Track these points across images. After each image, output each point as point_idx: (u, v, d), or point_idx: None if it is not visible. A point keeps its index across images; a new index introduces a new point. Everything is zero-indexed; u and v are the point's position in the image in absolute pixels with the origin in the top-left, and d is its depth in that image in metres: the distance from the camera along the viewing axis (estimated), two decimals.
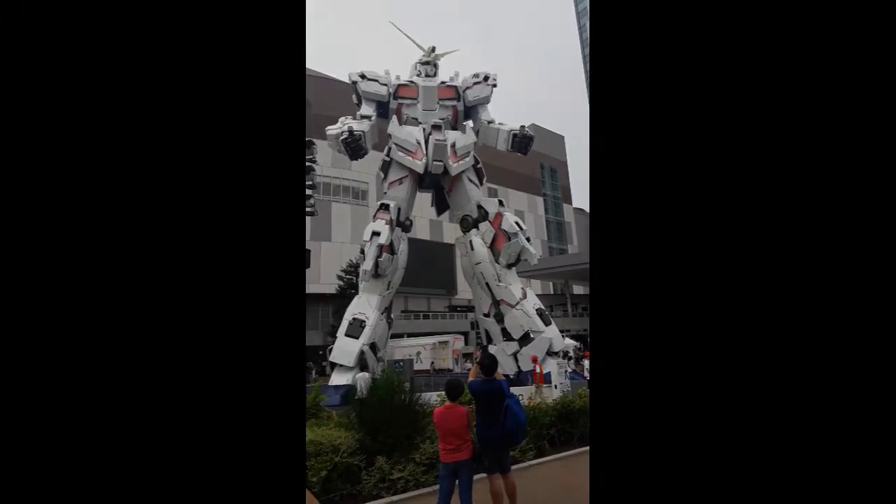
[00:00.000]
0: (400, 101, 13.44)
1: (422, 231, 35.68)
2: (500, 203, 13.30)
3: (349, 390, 9.73)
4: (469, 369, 7.22)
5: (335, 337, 12.17)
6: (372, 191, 34.77)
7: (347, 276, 28.09)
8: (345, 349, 11.35)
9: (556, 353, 11.69)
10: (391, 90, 13.46)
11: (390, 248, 12.08)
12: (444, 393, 4.22)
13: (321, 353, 20.89)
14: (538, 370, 10.43)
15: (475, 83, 13.84)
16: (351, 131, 12.22)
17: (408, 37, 15.21)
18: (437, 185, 13.95)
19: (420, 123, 13.06)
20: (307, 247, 14.86)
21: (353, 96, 13.99)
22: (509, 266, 12.73)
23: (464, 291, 32.76)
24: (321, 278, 30.42)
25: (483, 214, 12.99)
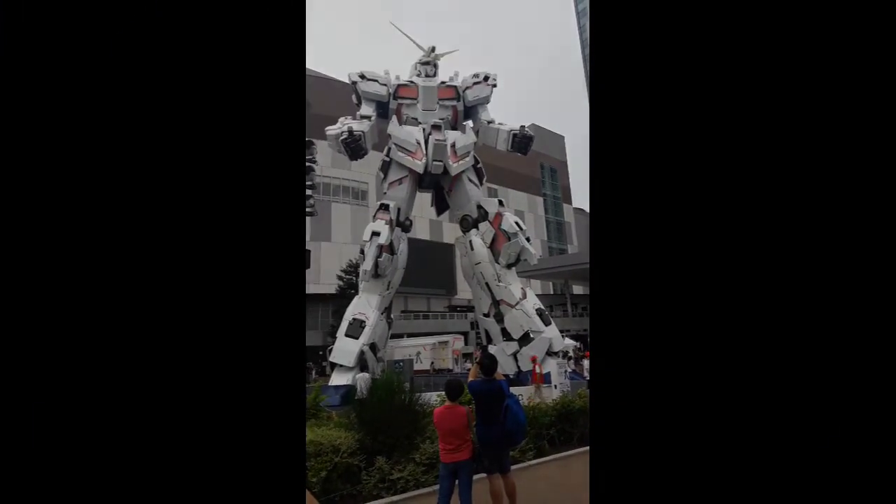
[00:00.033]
0: (400, 101, 13.44)
1: (422, 231, 35.67)
2: (500, 203, 13.29)
3: (349, 390, 9.73)
4: (469, 369, 7.22)
5: (335, 337, 12.17)
6: (372, 191, 34.76)
7: (347, 277, 28.09)
8: (345, 349, 11.35)
9: (555, 353, 11.69)
10: (391, 90, 13.46)
11: (390, 249, 12.08)
12: (444, 393, 4.22)
13: (321, 353, 20.88)
14: (538, 370, 10.44)
15: (475, 83, 13.84)
16: (350, 131, 12.22)
17: (408, 37, 15.22)
18: (437, 185, 13.95)
19: (420, 123, 13.05)
20: (307, 247, 14.87)
21: (353, 96, 13.99)
22: (509, 266, 12.73)
23: (464, 291, 32.74)
24: (321, 278, 30.41)
25: (483, 214, 12.99)
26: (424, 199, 15.87)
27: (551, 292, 45.52)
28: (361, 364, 11.16)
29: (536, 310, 12.29)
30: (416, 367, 21.16)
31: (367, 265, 11.76)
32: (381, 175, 13.68)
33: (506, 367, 11.61)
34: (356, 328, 11.57)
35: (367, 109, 13.29)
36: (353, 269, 26.21)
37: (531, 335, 11.94)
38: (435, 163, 12.36)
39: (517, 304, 12.23)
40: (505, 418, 3.88)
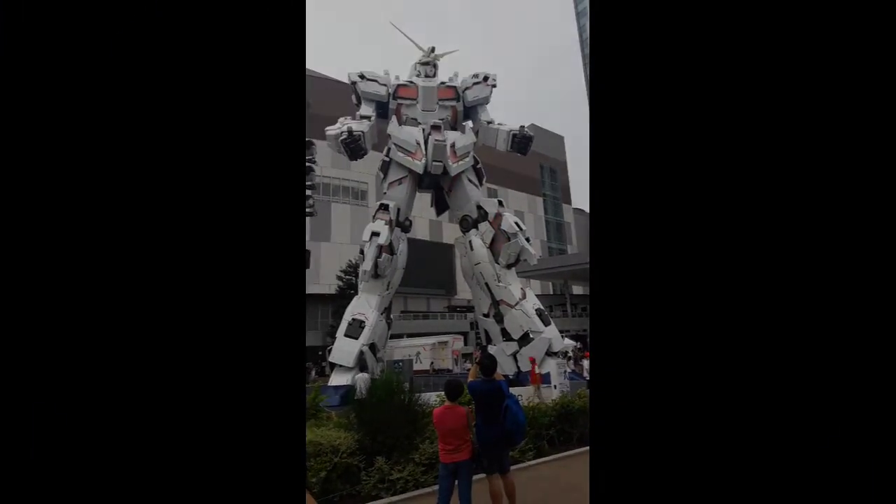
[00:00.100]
0: (399, 101, 13.46)
1: (421, 231, 35.67)
2: (500, 203, 13.31)
3: (349, 391, 9.74)
4: (468, 369, 7.22)
5: (335, 337, 12.18)
6: (372, 191, 34.75)
7: (347, 277, 28.11)
8: (344, 349, 11.36)
9: (555, 354, 11.70)
10: (390, 90, 13.47)
11: (390, 249, 12.09)
12: (443, 393, 4.22)
13: (321, 353, 20.90)
14: (536, 371, 10.45)
15: (474, 83, 13.87)
16: (350, 132, 12.23)
17: (407, 37, 15.23)
18: (437, 185, 13.96)
19: (419, 124, 13.07)
20: (307, 247, 14.87)
21: (353, 96, 14.00)
22: (509, 266, 12.74)
23: (463, 292, 32.75)
24: (321, 279, 30.41)
25: (483, 215, 12.99)
26: (424, 199, 15.88)
27: (551, 292, 45.54)
28: (361, 364, 11.17)
29: (536, 310, 12.30)
30: (416, 367, 21.16)
31: (366, 265, 11.77)
32: (381, 175, 13.69)
33: (505, 367, 11.62)
34: (356, 328, 11.58)
35: (366, 109, 13.31)
36: (352, 269, 26.22)
37: (531, 335, 11.95)
38: (434, 163, 12.37)
39: (517, 304, 12.24)
40: (504, 418, 3.89)
